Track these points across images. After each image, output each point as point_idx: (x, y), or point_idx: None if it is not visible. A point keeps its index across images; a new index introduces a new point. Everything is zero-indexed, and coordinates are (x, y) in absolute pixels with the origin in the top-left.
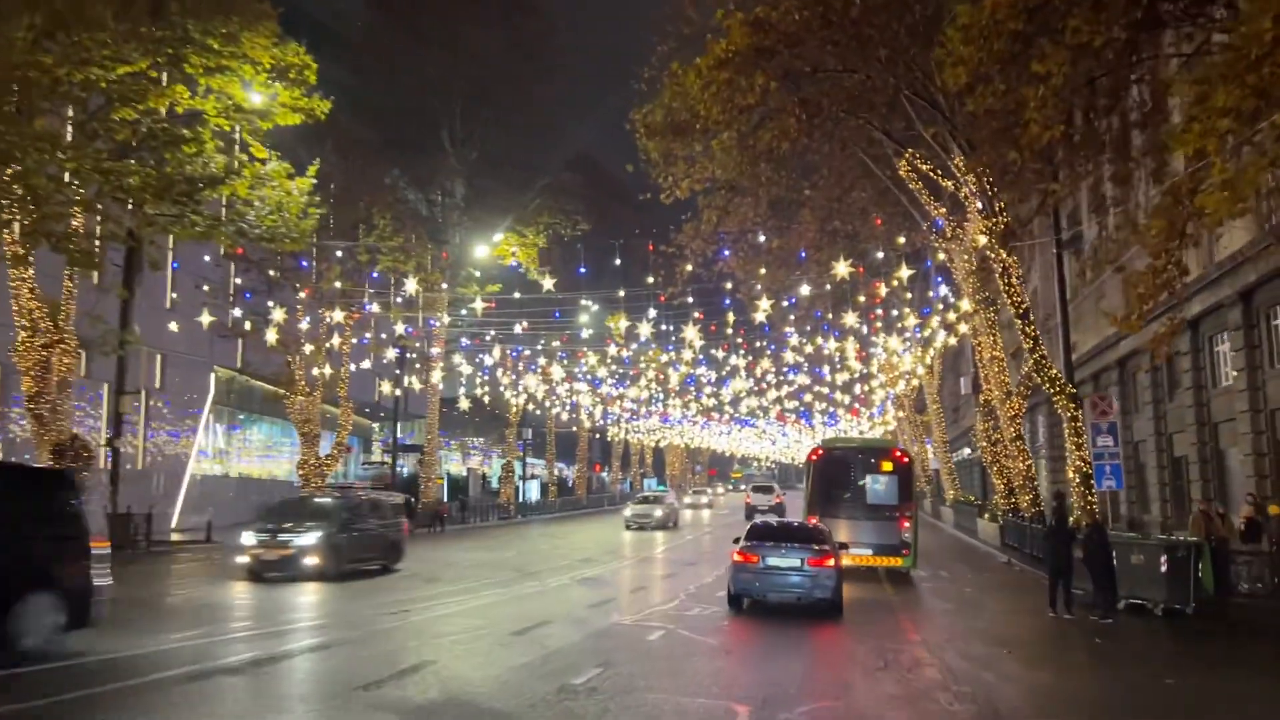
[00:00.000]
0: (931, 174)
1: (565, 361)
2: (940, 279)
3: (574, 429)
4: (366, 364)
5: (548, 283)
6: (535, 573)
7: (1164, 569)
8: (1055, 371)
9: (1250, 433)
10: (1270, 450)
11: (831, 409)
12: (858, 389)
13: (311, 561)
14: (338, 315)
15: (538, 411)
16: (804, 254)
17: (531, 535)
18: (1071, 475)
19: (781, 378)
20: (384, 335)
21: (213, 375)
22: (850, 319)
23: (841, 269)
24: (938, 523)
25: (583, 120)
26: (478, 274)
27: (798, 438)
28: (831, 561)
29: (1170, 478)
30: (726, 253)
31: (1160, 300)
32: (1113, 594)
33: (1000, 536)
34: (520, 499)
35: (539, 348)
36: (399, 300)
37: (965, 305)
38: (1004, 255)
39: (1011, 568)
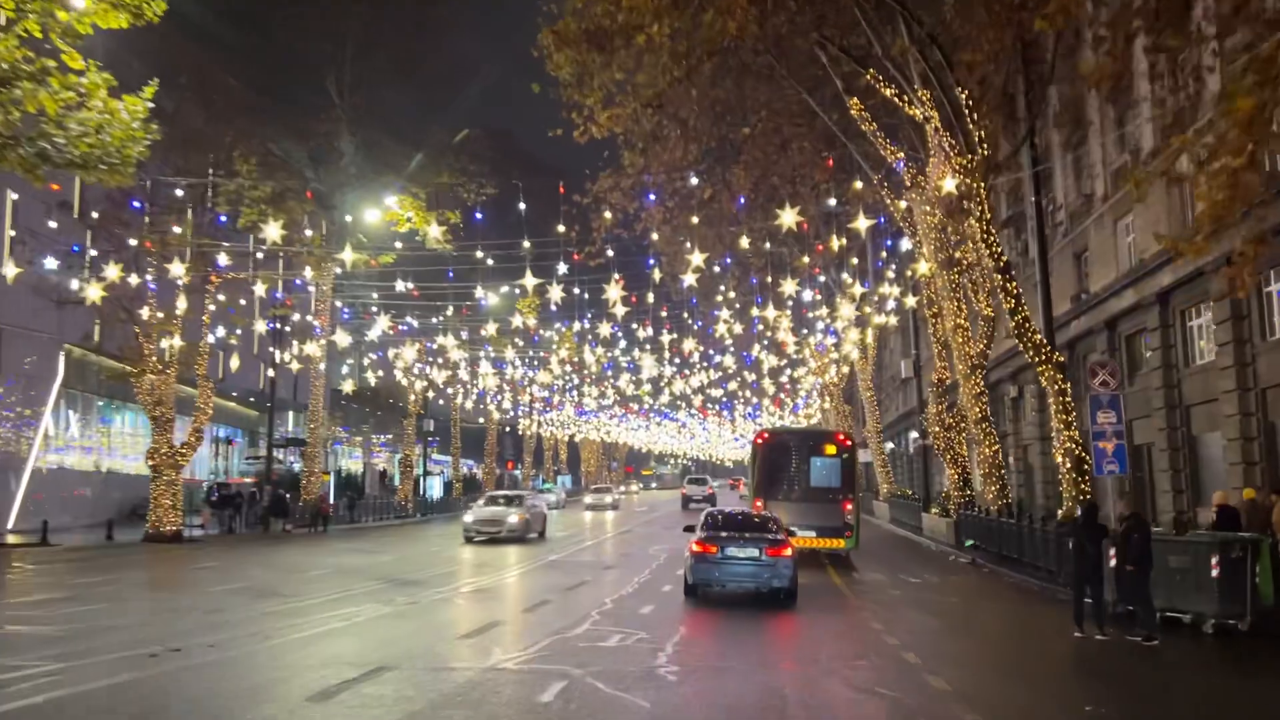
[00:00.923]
0: (897, 99)
1: (468, 341)
2: (889, 241)
3: (481, 420)
4: (228, 343)
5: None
6: (412, 583)
7: (1215, 573)
8: (1040, 337)
9: (1238, 414)
10: (1261, 434)
11: (756, 400)
12: (786, 376)
13: None
14: (177, 270)
15: (440, 401)
16: (743, 200)
17: (424, 536)
18: (1060, 459)
19: (707, 362)
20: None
21: (62, 354)
22: (789, 287)
23: (787, 217)
24: (871, 518)
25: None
26: (366, 241)
27: (719, 433)
28: (789, 551)
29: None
30: (652, 198)
31: (1231, 215)
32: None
33: (954, 533)
34: (422, 497)
35: (437, 322)
36: (260, 255)
37: (922, 268)
38: (983, 194)
39: (980, 569)
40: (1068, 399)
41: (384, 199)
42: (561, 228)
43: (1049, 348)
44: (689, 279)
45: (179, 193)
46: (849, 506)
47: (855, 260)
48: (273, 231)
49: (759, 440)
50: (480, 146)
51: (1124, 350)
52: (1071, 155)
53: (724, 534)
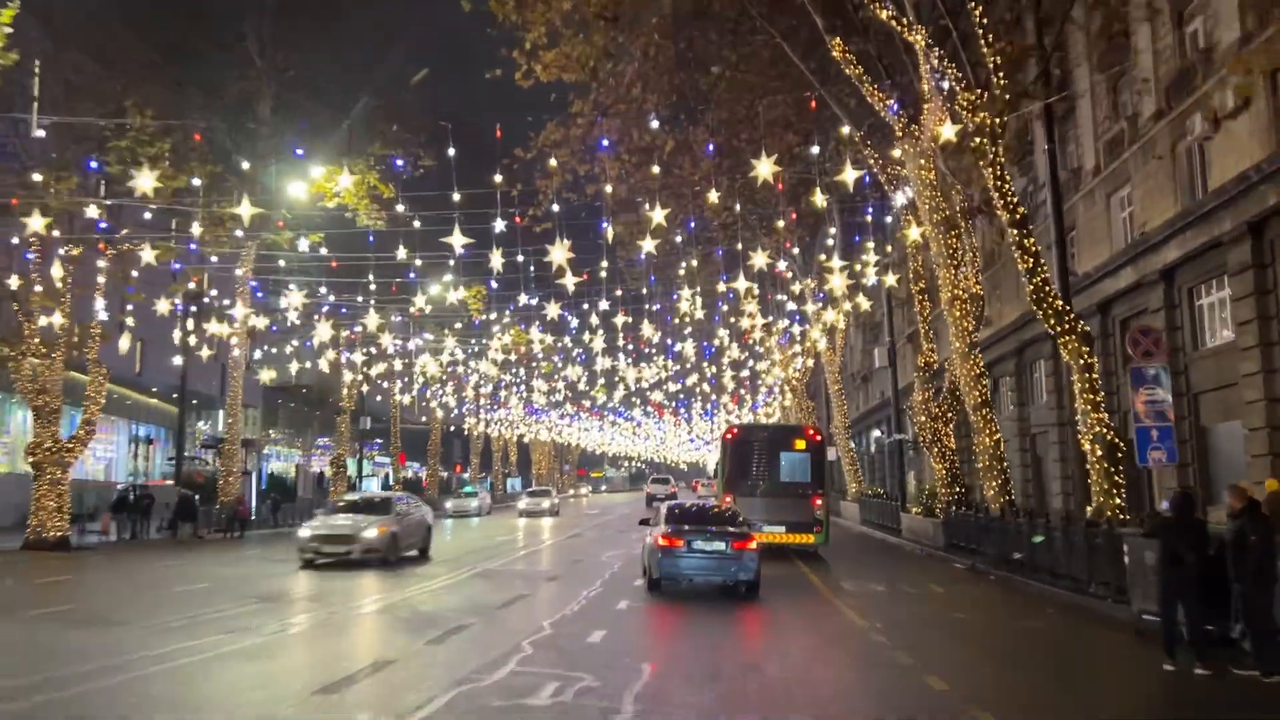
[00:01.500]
0: (894, 21)
1: (399, 324)
2: (869, 209)
3: (424, 420)
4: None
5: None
6: (300, 600)
7: None
8: (1060, 303)
9: (1262, 400)
10: None
11: (714, 397)
12: (747, 370)
13: None
14: (36, 225)
15: (378, 398)
16: (711, 148)
17: None
18: (1088, 446)
19: (666, 353)
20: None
21: None
22: (759, 259)
23: (763, 168)
24: (840, 520)
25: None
26: (289, 215)
27: (675, 433)
28: (753, 544)
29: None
30: (605, 143)
31: None
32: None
33: (944, 535)
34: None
35: (367, 304)
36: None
37: (913, 234)
38: (1001, 129)
39: (983, 576)
40: (1094, 376)
41: (310, 170)
42: (499, 178)
43: (1072, 315)
44: (648, 245)
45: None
46: (819, 502)
47: (832, 234)
48: (145, 182)
49: (728, 435)
50: (415, 107)
51: (1117, 336)
52: (1055, 128)
53: (689, 527)
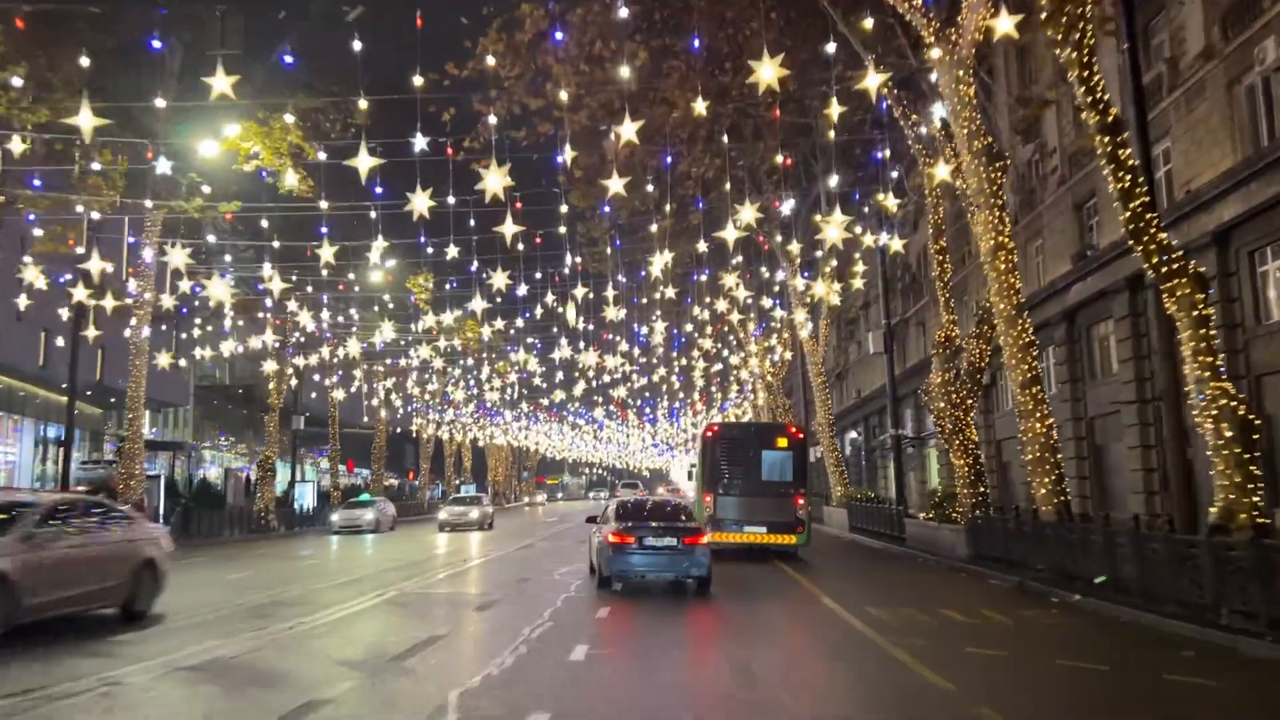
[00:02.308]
0: None
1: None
2: (877, 155)
3: (367, 419)
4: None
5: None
6: (129, 647)
7: None
8: (1164, 237)
9: None
10: None
11: (683, 395)
12: (723, 359)
13: None
14: None
15: (314, 395)
16: (696, 41)
17: (246, 560)
18: (1207, 426)
19: (634, 340)
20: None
21: None
22: (746, 213)
23: (765, 72)
24: (824, 527)
25: None
26: (195, 177)
27: (640, 436)
28: (705, 539)
29: (1165, 457)
30: (560, 36)
31: None
32: None
33: (969, 544)
34: (294, 507)
35: (292, 281)
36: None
37: (940, 173)
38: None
39: (1043, 599)
40: (1211, 332)
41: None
42: (419, 80)
43: (1179, 252)
44: (615, 184)
45: None
46: (801, 501)
47: (833, 181)
48: (85, 120)
49: (709, 433)
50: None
51: (1151, 315)
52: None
53: (640, 524)
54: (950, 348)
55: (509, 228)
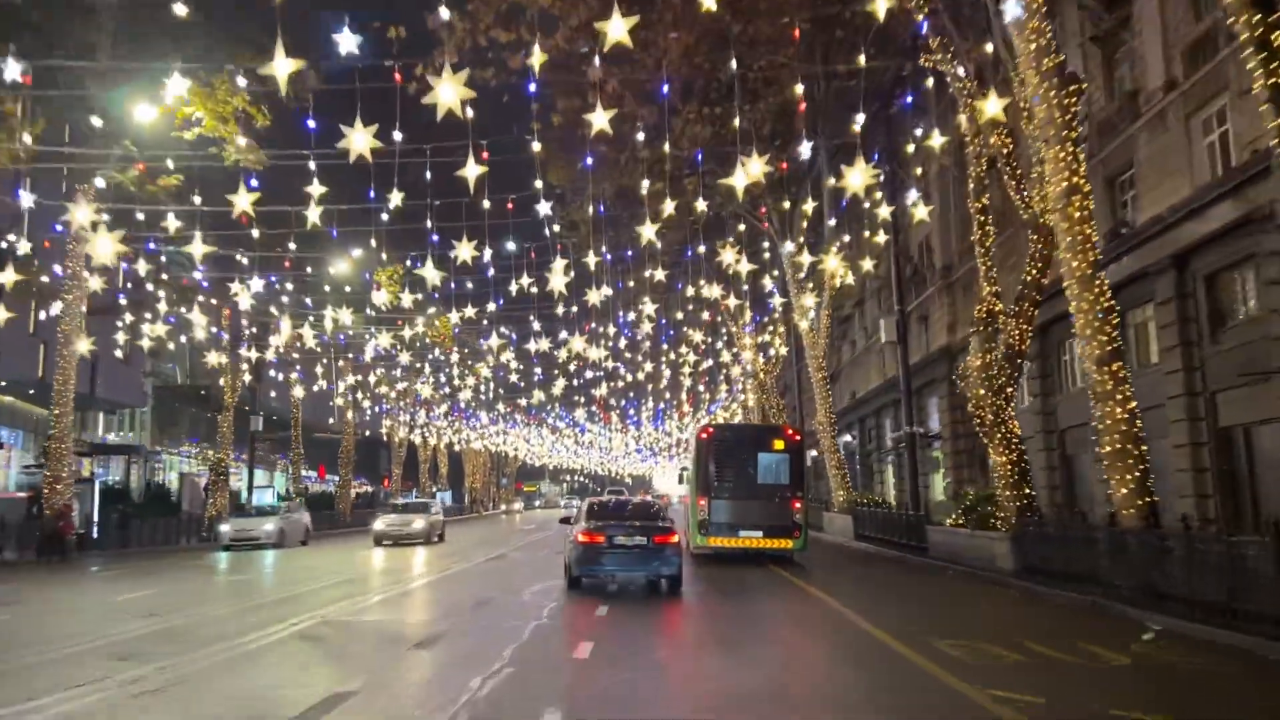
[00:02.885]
0: None
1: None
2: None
3: (332, 421)
4: None
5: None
6: None
7: None
8: None
9: None
10: None
11: (668, 394)
12: (714, 353)
13: None
14: None
15: (273, 394)
16: None
17: (161, 576)
18: None
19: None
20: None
21: None
22: (754, 165)
23: None
24: (826, 535)
25: None
26: (130, 145)
27: (623, 441)
28: (675, 538)
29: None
30: None
31: None
32: None
33: (1016, 556)
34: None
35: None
36: None
37: (990, 108)
38: None
39: (1136, 622)
40: None
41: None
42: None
43: None
44: (599, 118)
45: None
46: (798, 505)
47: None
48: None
49: (704, 434)
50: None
51: (1201, 296)
52: (1099, 48)
53: (610, 522)
54: (992, 325)
55: (471, 169)
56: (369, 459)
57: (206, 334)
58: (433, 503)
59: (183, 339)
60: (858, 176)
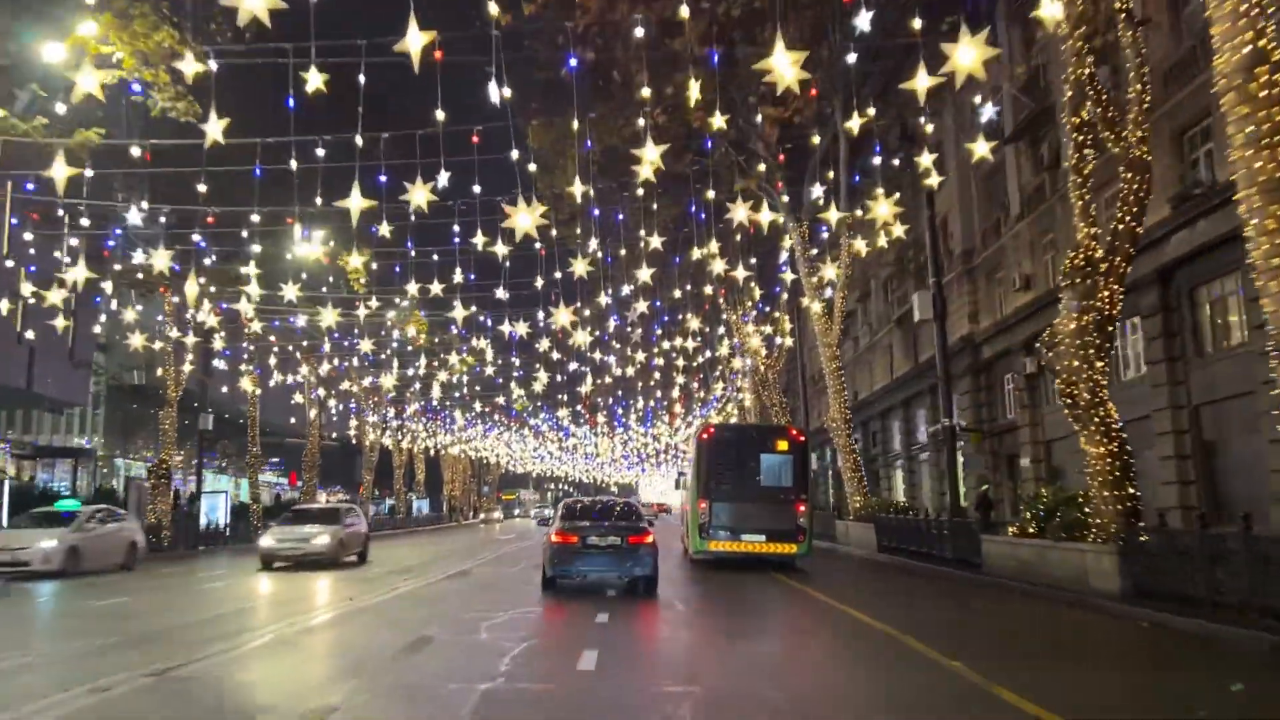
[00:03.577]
0: None
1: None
2: None
3: (294, 420)
4: None
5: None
6: None
7: None
8: None
9: None
10: None
11: (658, 393)
12: (704, 356)
13: None
14: None
15: (224, 388)
16: None
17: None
18: None
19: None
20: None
21: None
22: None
23: None
24: (842, 546)
25: None
26: (37, 89)
27: (610, 446)
28: (650, 538)
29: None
30: None
31: None
32: None
33: (1123, 576)
34: (203, 522)
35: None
36: None
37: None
38: None
39: None
40: None
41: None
42: None
43: None
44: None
45: None
46: (802, 508)
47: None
48: None
49: (704, 435)
50: None
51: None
52: None
53: (584, 523)
54: (1092, 276)
55: (414, 38)
56: (344, 466)
57: (136, 315)
58: (350, 510)
59: (135, 335)
60: (967, 53)
